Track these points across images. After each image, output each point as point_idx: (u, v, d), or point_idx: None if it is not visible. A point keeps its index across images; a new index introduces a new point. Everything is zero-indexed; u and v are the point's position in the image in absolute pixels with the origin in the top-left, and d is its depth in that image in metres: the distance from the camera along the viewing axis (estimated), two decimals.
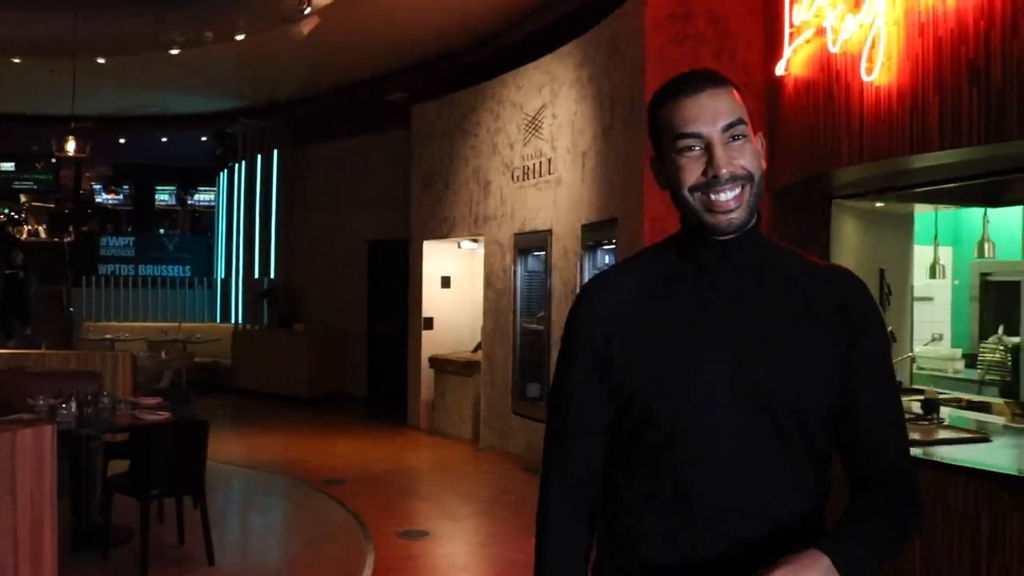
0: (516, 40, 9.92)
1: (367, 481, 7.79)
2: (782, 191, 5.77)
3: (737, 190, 1.54)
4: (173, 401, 6.25)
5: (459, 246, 10.80)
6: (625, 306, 1.63)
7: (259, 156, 13.95)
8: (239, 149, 14.26)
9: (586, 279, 7.76)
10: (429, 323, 10.71)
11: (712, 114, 1.54)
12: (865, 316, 1.61)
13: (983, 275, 7.35)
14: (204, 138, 16.14)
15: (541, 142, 8.59)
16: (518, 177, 8.94)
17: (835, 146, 4.62)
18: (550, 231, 8.37)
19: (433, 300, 10.73)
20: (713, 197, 1.53)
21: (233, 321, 14.52)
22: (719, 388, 1.54)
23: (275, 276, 13.90)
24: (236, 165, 14.52)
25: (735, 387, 1.54)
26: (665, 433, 1.57)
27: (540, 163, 8.58)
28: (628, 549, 1.63)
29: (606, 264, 7.80)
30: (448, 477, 8.09)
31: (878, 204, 6.70)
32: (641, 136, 6.77)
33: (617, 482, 1.65)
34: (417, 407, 10.68)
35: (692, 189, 1.55)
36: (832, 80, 4.66)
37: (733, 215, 1.54)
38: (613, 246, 7.30)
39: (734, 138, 1.55)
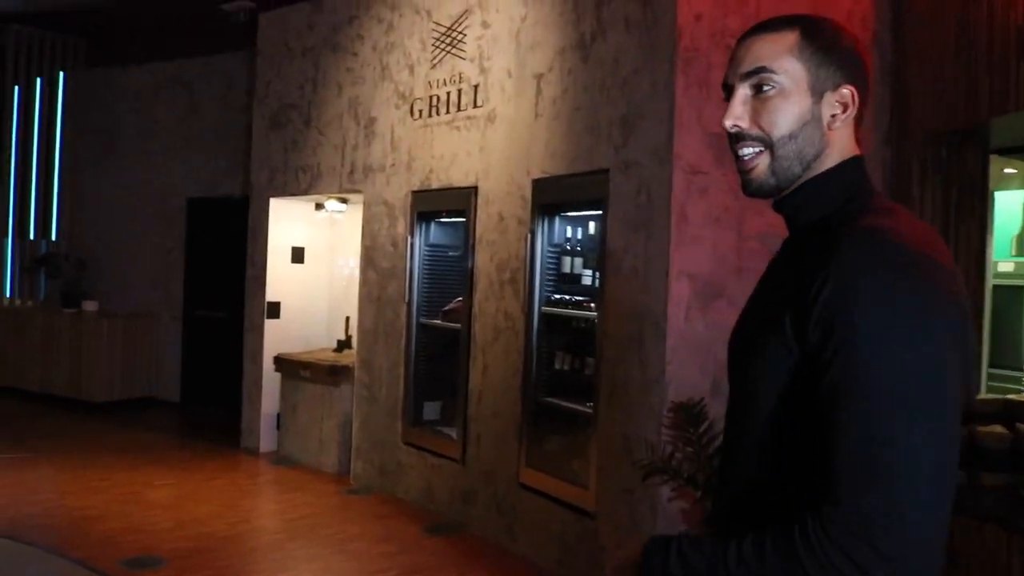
0: None
1: (200, 560, 5.03)
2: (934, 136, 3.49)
3: (750, 150, 1.41)
4: None
5: (319, 208, 8.06)
6: None
7: (39, 79, 10.56)
8: (8, 69, 10.76)
9: (540, 257, 5.29)
10: (275, 310, 7.93)
11: (739, 61, 1.42)
12: (831, 315, 1.24)
13: None
14: None
15: (461, 62, 6.00)
16: (421, 112, 6.32)
17: None
18: (475, 188, 5.82)
19: (281, 279, 7.95)
20: (735, 152, 1.45)
21: None
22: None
23: (57, 239, 10.63)
24: (2, 91, 11.02)
25: (731, 355, 1.51)
26: None
27: (459, 92, 6.00)
28: None
29: (572, 239, 5.34)
30: (324, 549, 5.41)
31: None
32: (662, 42, 4.35)
33: None
34: (256, 423, 7.88)
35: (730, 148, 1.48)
36: None
37: (750, 176, 1.43)
38: (599, 212, 4.84)
39: (758, 89, 1.40)
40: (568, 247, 5.29)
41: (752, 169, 1.42)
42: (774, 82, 1.38)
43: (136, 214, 10.03)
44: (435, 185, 6.17)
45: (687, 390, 4.17)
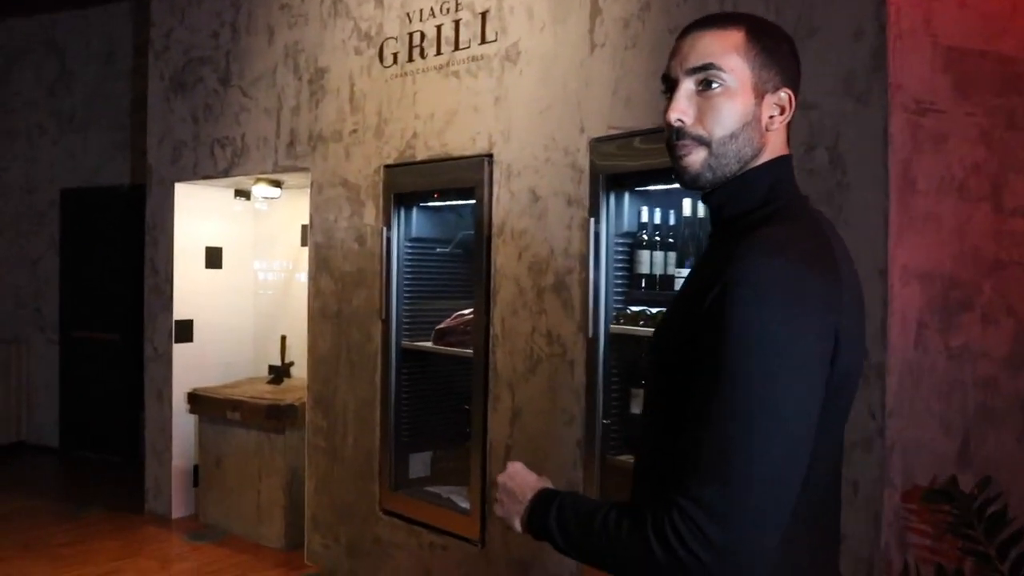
0: None
1: None
2: None
3: (688, 144, 1.41)
4: None
5: (240, 196, 6.21)
6: None
7: None
8: None
9: (607, 253, 3.64)
10: (186, 330, 6.03)
11: (682, 56, 1.42)
12: (713, 319, 1.28)
13: None
14: None
15: None
16: (396, 56, 4.57)
17: None
18: (488, 157, 4.10)
19: (192, 290, 6.05)
20: (670, 144, 1.44)
21: None
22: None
23: None
24: None
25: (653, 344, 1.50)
26: None
27: (456, 24, 4.27)
28: None
29: (650, 224, 3.68)
30: None
31: None
32: None
33: None
34: (165, 481, 5.97)
35: (667, 144, 1.45)
36: None
37: (684, 165, 1.42)
38: None
39: (704, 85, 1.39)
40: (645, 237, 3.62)
41: (685, 157, 1.41)
42: (721, 80, 1.38)
43: None
44: (421, 156, 4.42)
45: (924, 457, 2.57)
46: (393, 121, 4.57)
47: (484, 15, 4.14)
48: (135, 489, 6.20)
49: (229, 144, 5.55)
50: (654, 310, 3.56)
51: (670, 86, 1.42)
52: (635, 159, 3.50)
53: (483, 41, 4.15)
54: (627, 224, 3.70)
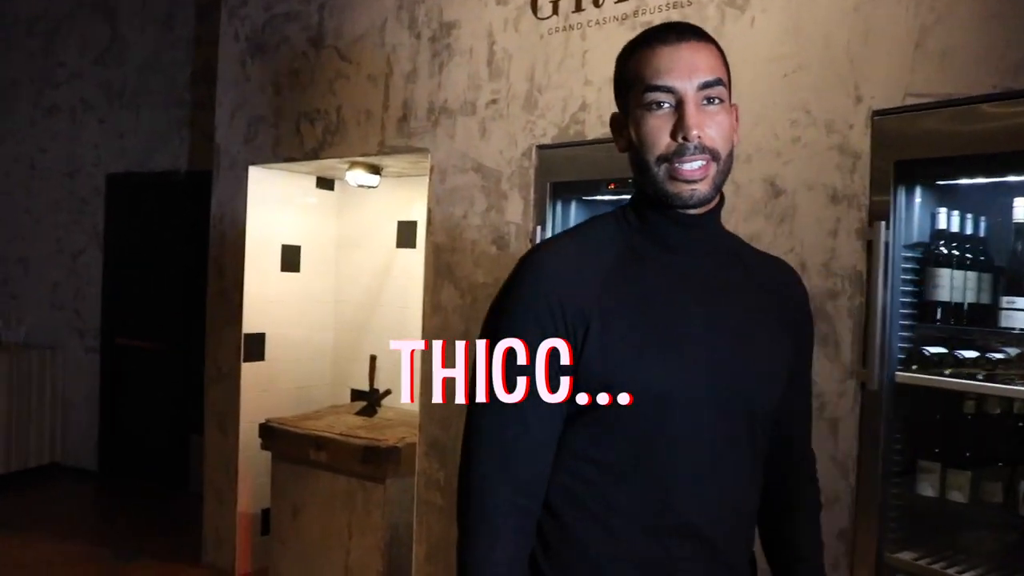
0: None
1: None
2: None
3: (702, 162, 1.36)
4: None
5: (323, 185, 5.20)
6: (593, 284, 1.39)
7: None
8: None
9: (892, 271, 2.55)
10: (256, 346, 5.01)
11: (690, 67, 1.35)
12: (806, 307, 1.57)
13: None
14: None
15: None
16: (555, 5, 3.53)
17: None
18: None
19: (265, 296, 5.03)
20: (677, 165, 1.36)
21: None
22: (700, 382, 1.38)
23: None
24: None
25: (716, 381, 1.39)
26: (641, 430, 1.37)
27: None
28: (581, 555, 1.41)
29: (961, 233, 2.60)
30: None
31: None
32: None
33: (575, 485, 1.42)
34: (229, 529, 4.95)
35: (659, 158, 1.37)
36: None
37: (697, 186, 1.38)
38: None
39: (709, 100, 1.36)
40: (944, 250, 2.56)
41: (701, 180, 1.37)
42: (723, 96, 1.37)
43: (31, 200, 6.99)
44: (593, 133, 3.39)
45: None
46: (551, 88, 3.53)
47: None
48: (186, 531, 5.22)
49: (320, 119, 4.53)
50: (968, 353, 2.50)
51: (676, 101, 1.35)
52: (944, 140, 2.44)
53: None
54: (916, 233, 2.64)
